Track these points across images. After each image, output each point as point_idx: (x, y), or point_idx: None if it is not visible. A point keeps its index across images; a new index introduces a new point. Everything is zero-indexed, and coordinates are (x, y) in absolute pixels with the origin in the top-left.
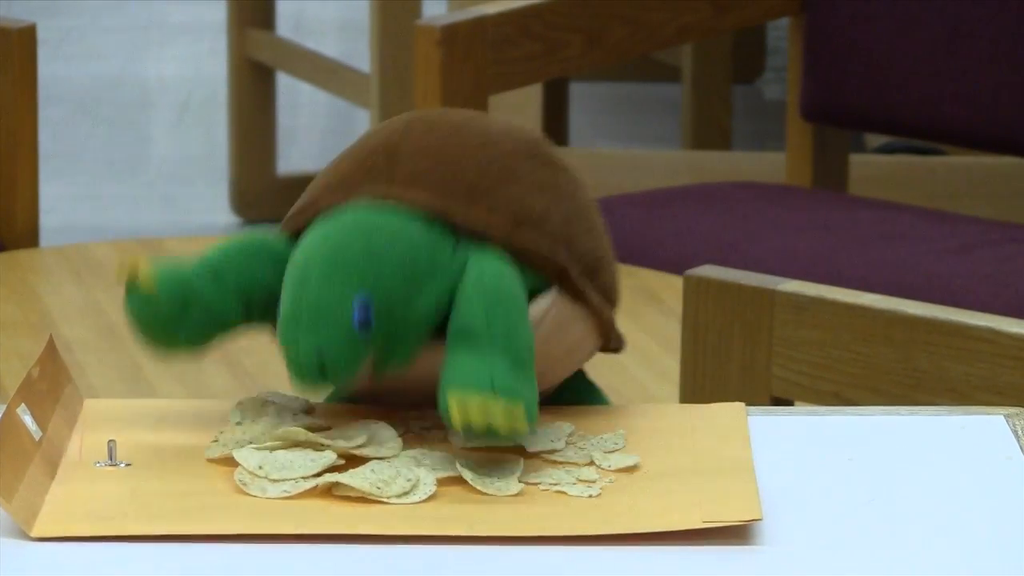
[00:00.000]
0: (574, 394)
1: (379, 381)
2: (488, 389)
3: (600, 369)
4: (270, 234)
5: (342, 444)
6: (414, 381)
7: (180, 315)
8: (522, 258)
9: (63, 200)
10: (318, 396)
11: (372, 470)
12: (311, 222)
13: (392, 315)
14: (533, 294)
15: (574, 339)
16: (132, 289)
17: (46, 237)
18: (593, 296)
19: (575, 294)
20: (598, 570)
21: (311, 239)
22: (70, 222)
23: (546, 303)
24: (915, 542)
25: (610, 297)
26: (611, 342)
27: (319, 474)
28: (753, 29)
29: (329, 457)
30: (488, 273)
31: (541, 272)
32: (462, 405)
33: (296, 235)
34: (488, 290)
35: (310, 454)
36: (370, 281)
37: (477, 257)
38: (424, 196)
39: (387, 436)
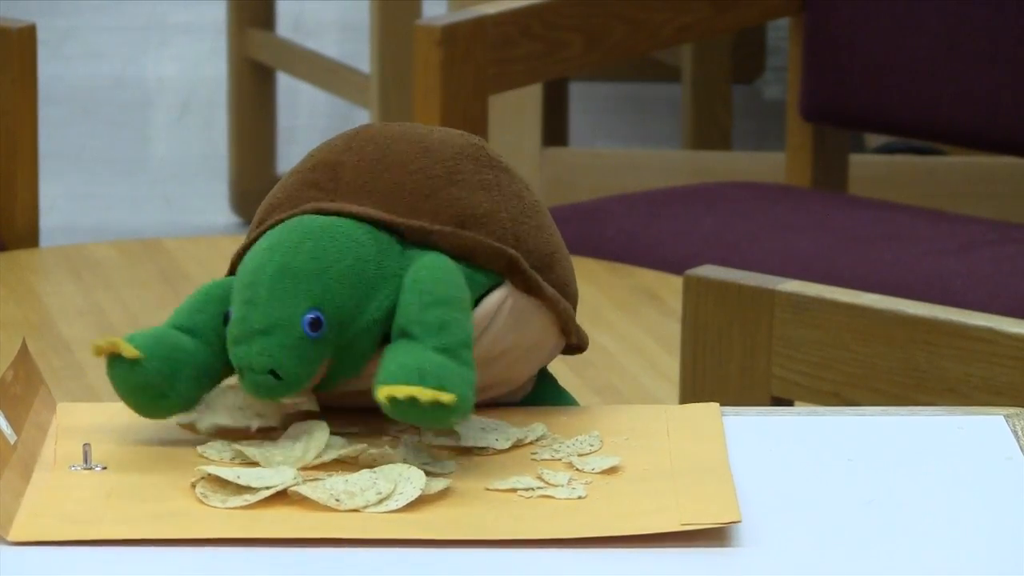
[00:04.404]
0: (544, 399)
1: (331, 389)
2: (416, 380)
3: (600, 369)
4: (223, 278)
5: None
6: (366, 388)
7: (171, 376)
8: (470, 255)
9: (63, 200)
10: (276, 407)
11: (346, 480)
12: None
13: (343, 326)
14: (488, 290)
15: (534, 334)
16: (116, 360)
17: (46, 237)
18: (547, 288)
19: (527, 285)
20: (577, 571)
21: (256, 253)
22: (70, 222)
23: (500, 296)
24: (915, 542)
25: (566, 292)
26: (572, 338)
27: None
28: (753, 29)
29: (292, 472)
30: (424, 273)
31: (491, 267)
32: (391, 397)
33: None
34: (422, 290)
35: (281, 467)
36: (319, 294)
37: (418, 260)
38: (367, 208)
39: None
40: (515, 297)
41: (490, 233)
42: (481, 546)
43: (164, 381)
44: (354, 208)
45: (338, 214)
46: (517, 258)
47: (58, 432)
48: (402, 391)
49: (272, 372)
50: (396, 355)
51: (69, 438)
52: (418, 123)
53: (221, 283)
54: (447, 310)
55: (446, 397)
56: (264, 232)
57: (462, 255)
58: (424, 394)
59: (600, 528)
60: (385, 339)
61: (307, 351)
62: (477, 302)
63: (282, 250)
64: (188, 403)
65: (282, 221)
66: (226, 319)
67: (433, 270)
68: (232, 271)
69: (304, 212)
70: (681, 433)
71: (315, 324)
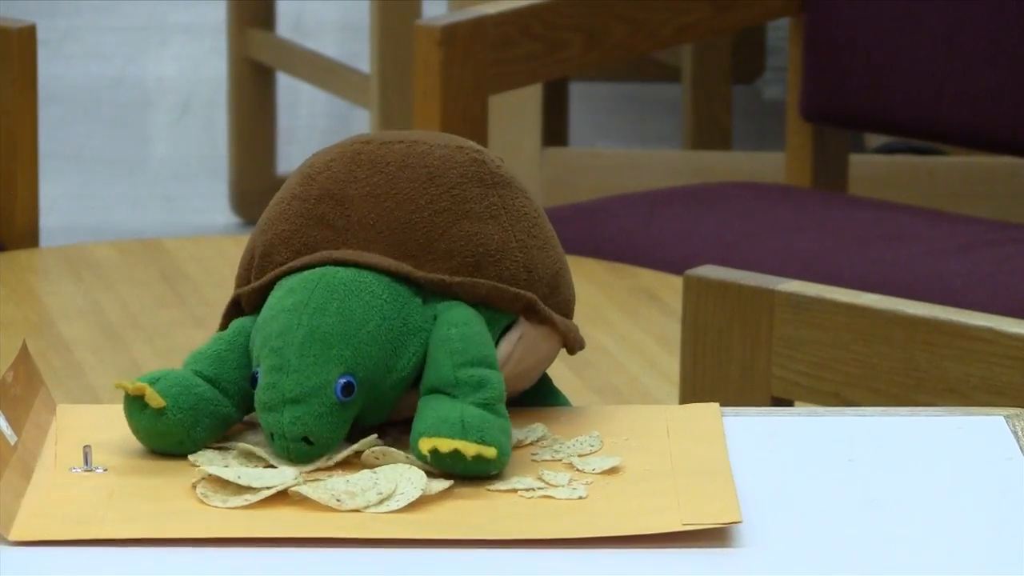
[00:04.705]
0: (538, 398)
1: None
2: (459, 432)
3: (600, 369)
4: (247, 321)
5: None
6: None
7: (191, 426)
8: (488, 302)
9: (63, 200)
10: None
11: (347, 480)
12: (272, 286)
13: (372, 385)
14: (505, 326)
15: (541, 355)
16: (138, 403)
17: (46, 237)
18: (558, 319)
19: (540, 319)
20: (578, 571)
21: (280, 314)
22: (70, 222)
23: (516, 335)
24: (915, 542)
25: (569, 308)
26: (574, 350)
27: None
28: (753, 29)
29: (293, 471)
30: (453, 332)
31: (508, 310)
32: (434, 450)
33: (261, 300)
34: (454, 350)
35: (282, 467)
36: (350, 359)
37: (443, 312)
38: (384, 260)
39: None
40: (528, 330)
41: (504, 271)
42: (482, 546)
43: (183, 431)
44: (373, 260)
45: (355, 265)
46: (533, 300)
47: (58, 434)
48: (446, 444)
49: (304, 438)
50: (435, 407)
51: (69, 440)
52: (416, 133)
53: (244, 329)
54: (481, 369)
55: (489, 451)
56: (278, 277)
57: (481, 302)
58: (468, 448)
59: (601, 528)
60: (411, 386)
61: (339, 415)
62: (497, 340)
63: (308, 312)
64: (201, 448)
65: (297, 270)
66: (253, 381)
67: (461, 327)
68: (238, 304)
69: (321, 262)
70: (681, 433)
71: (347, 389)
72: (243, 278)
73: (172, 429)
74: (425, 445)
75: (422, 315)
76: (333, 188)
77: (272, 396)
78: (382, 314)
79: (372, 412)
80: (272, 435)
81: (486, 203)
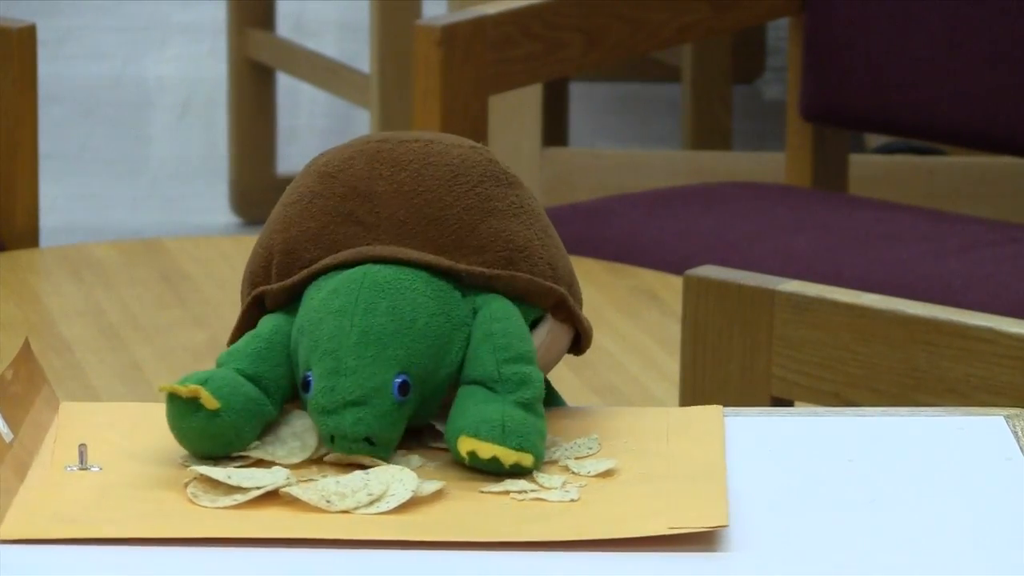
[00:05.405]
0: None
1: None
2: (499, 436)
3: (600, 369)
4: (281, 319)
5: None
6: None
7: (242, 427)
8: (524, 296)
9: (63, 200)
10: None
11: (337, 481)
12: (304, 284)
13: (424, 383)
14: (533, 323)
15: (558, 352)
16: (189, 406)
17: (46, 237)
18: (582, 316)
19: (566, 316)
20: (566, 572)
21: (326, 318)
22: (70, 222)
23: (544, 332)
24: (915, 542)
25: (581, 306)
26: (583, 351)
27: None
28: (753, 29)
29: (285, 472)
30: (496, 327)
31: (540, 304)
32: (473, 453)
33: (291, 298)
34: (497, 345)
35: (273, 467)
36: (404, 357)
37: (484, 306)
38: (423, 255)
39: (297, 433)
40: (553, 327)
41: (534, 267)
42: (470, 548)
43: (234, 432)
44: (412, 256)
45: (395, 261)
46: (564, 296)
47: (58, 432)
48: (486, 451)
49: (367, 439)
50: (476, 404)
51: (69, 438)
52: (427, 133)
53: (281, 327)
54: (523, 366)
55: (526, 459)
56: (313, 276)
57: (516, 295)
58: (508, 457)
59: (589, 531)
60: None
61: (397, 415)
62: None
63: (359, 313)
64: (246, 449)
65: (333, 268)
66: (305, 386)
67: (503, 322)
68: (259, 302)
69: (358, 259)
70: (680, 436)
71: (404, 388)
72: (260, 276)
73: (224, 431)
74: (464, 446)
75: (463, 309)
76: (359, 185)
77: (331, 399)
78: (429, 310)
79: (424, 409)
80: (332, 438)
81: (507, 201)
